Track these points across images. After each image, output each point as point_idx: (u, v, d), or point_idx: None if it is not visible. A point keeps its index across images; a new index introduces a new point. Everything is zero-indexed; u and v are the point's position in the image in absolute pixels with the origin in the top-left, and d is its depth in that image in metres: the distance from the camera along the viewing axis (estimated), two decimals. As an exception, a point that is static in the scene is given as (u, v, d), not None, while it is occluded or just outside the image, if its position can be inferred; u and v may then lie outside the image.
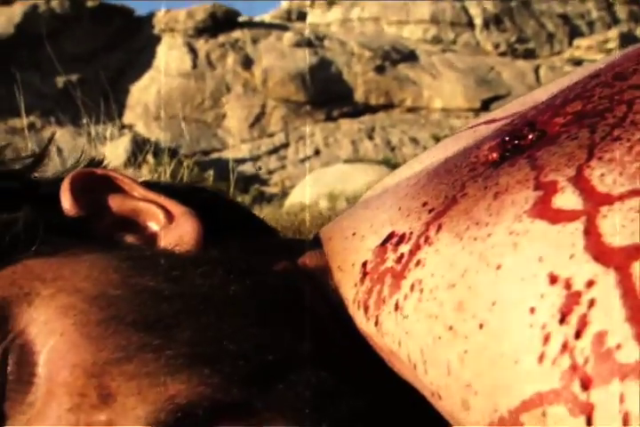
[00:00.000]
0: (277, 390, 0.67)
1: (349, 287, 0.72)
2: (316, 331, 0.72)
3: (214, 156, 9.45)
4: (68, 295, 0.69)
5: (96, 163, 0.81)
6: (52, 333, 0.68)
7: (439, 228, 0.66)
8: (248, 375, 0.67)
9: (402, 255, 0.67)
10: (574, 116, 0.68)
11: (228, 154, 9.62)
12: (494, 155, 0.71)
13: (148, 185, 0.79)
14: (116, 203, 0.77)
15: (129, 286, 0.70)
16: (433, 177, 0.72)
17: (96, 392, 0.66)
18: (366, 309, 0.69)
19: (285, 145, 9.58)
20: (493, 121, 0.79)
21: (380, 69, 8.69)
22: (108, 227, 0.76)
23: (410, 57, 9.03)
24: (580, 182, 0.60)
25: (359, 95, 8.67)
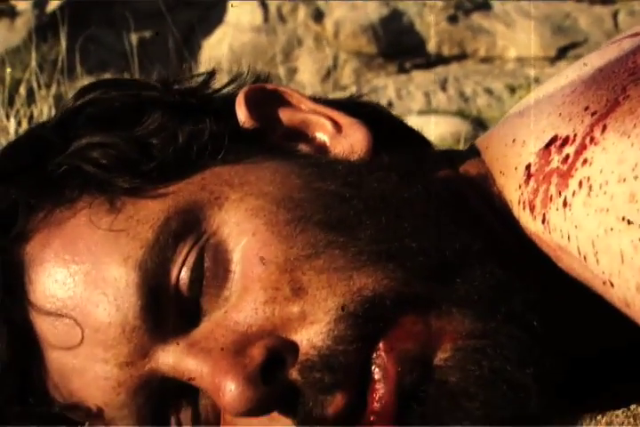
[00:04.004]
0: (455, 284, 0.72)
1: (513, 190, 0.76)
2: (485, 231, 0.76)
3: (287, 110, 9.47)
4: (255, 198, 0.74)
5: (263, 79, 0.85)
6: (243, 232, 0.73)
7: (604, 128, 0.69)
8: (428, 270, 0.72)
9: (567, 156, 0.71)
10: None
11: (301, 108, 9.59)
12: (654, 58, 0.74)
13: (314, 99, 0.83)
14: (286, 115, 0.82)
15: (311, 189, 0.75)
16: (590, 84, 0.75)
17: (289, 286, 0.71)
18: (532, 208, 0.73)
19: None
20: (637, 34, 0.82)
21: (452, 19, 8.63)
22: (279, 138, 0.81)
23: (483, 6, 8.95)
24: None
25: (432, 46, 8.62)
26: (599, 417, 0.73)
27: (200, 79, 0.85)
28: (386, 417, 0.70)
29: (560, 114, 0.74)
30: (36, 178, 0.77)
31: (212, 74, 0.85)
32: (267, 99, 0.82)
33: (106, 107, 0.80)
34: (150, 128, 0.78)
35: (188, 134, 0.78)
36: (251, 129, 0.81)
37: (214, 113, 0.80)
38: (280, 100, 0.83)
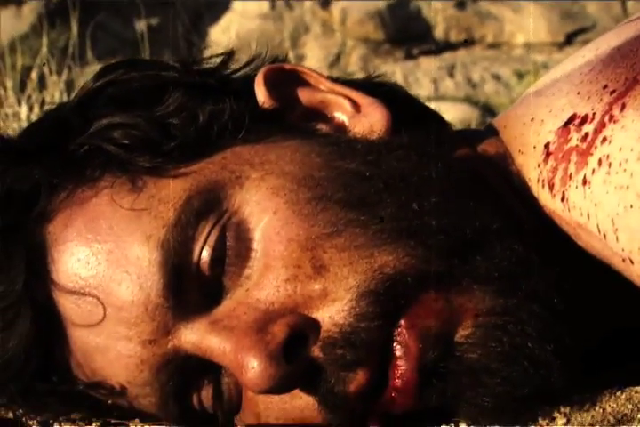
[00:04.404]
0: (476, 261, 0.72)
1: (532, 168, 0.76)
2: (504, 210, 0.76)
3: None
4: (276, 177, 0.74)
5: (281, 60, 0.86)
6: (265, 211, 0.73)
7: (623, 106, 0.70)
8: (449, 248, 0.72)
9: (586, 134, 0.71)
10: None
11: (308, 95, 9.54)
12: (672, 37, 0.74)
13: (332, 79, 0.84)
14: (304, 95, 0.82)
15: (332, 168, 0.75)
16: (609, 63, 0.75)
17: (310, 264, 0.71)
18: (551, 186, 0.73)
19: (365, 85, 9.48)
20: (653, 13, 0.82)
21: (460, 5, 8.60)
22: (298, 117, 0.82)
23: (490, -9, 8.91)
24: None
25: (439, 32, 8.61)
26: (619, 393, 0.73)
27: (218, 60, 0.85)
28: (407, 394, 0.71)
29: (578, 92, 0.74)
30: (57, 158, 0.78)
31: (230, 55, 0.85)
32: (285, 79, 0.83)
33: (126, 87, 0.81)
34: (171, 108, 0.78)
35: (208, 114, 0.78)
36: (270, 109, 0.81)
37: (234, 93, 0.80)
38: (299, 79, 0.83)
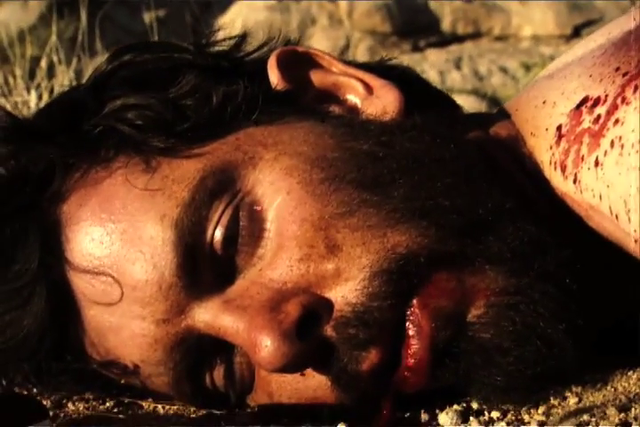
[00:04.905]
0: (488, 241, 0.72)
1: (544, 151, 0.76)
2: (516, 191, 0.77)
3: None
4: (289, 158, 0.75)
5: (294, 42, 0.86)
6: (278, 191, 0.73)
7: (635, 88, 0.70)
8: (461, 228, 0.72)
9: (599, 116, 0.71)
10: None
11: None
12: (684, 20, 0.74)
13: (345, 61, 0.84)
14: (317, 77, 0.83)
15: (345, 149, 0.75)
16: (621, 46, 0.75)
17: (324, 244, 0.72)
18: (564, 168, 0.74)
19: (372, 77, 9.44)
20: (665, -1, 0.82)
21: (467, -3, 8.59)
22: (311, 100, 0.82)
23: (498, -17, 8.88)
24: None
25: (446, 24, 8.58)
26: (630, 373, 0.73)
27: (231, 43, 0.86)
28: (420, 373, 0.71)
29: (591, 75, 0.75)
30: (72, 138, 0.78)
31: (243, 37, 0.86)
32: (298, 61, 0.83)
33: (140, 69, 0.81)
34: (184, 89, 0.79)
35: (222, 95, 0.78)
36: (283, 91, 0.81)
37: (247, 75, 0.81)
38: (311, 62, 0.83)
